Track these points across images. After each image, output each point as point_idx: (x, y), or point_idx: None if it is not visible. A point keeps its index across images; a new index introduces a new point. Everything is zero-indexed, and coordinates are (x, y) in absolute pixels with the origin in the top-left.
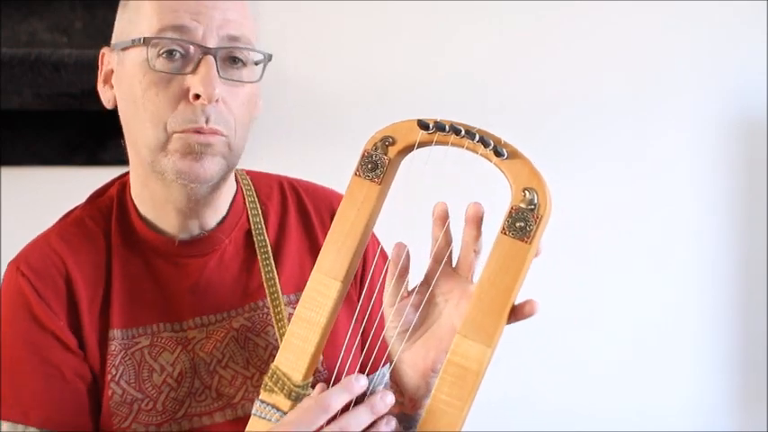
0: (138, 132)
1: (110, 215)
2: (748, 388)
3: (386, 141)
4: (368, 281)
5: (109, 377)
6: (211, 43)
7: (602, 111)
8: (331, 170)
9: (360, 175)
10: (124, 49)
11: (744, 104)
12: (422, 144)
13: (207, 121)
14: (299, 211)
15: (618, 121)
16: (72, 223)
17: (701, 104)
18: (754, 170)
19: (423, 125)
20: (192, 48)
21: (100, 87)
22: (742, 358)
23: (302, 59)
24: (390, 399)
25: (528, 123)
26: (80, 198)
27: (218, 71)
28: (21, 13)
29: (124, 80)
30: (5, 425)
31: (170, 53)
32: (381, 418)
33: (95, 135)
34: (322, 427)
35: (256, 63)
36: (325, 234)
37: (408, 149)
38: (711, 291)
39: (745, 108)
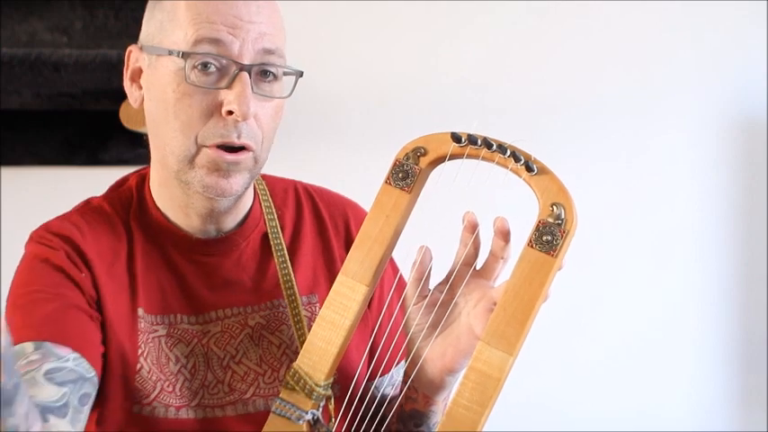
0: (167, 139)
1: (129, 206)
2: (748, 388)
3: (417, 152)
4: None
5: (139, 351)
6: (247, 58)
7: (603, 110)
8: (329, 170)
9: (390, 183)
10: (158, 55)
11: (744, 104)
12: (453, 156)
13: (238, 137)
14: (314, 217)
15: (618, 121)
16: (92, 209)
17: (702, 104)
18: (754, 170)
19: (455, 138)
20: (227, 62)
21: (126, 85)
22: (742, 358)
23: (302, 60)
24: None
25: (528, 123)
26: (80, 198)
27: (251, 87)
28: (21, 13)
29: (156, 85)
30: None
31: (205, 66)
32: None
33: (95, 135)
34: None
35: (285, 74)
36: (339, 240)
37: (439, 161)
38: (711, 291)
39: (746, 108)
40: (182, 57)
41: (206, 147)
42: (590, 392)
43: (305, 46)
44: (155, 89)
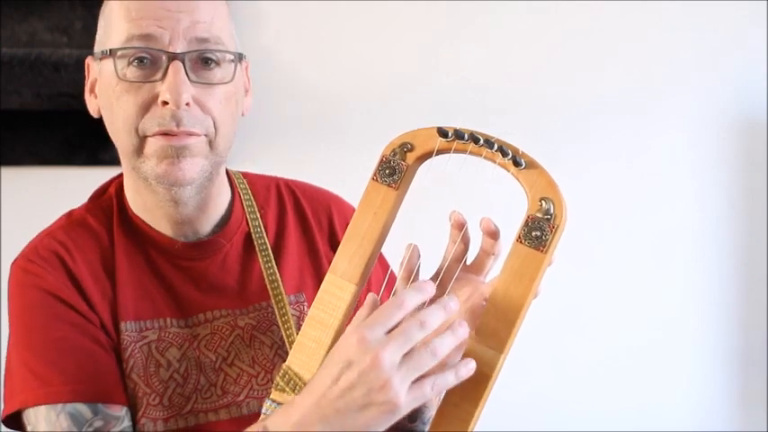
0: (116, 140)
1: (111, 214)
2: (748, 388)
3: (404, 147)
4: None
5: (124, 371)
6: (179, 48)
7: (603, 110)
8: (329, 170)
9: (377, 180)
10: (101, 59)
11: (744, 104)
12: (440, 151)
13: (178, 125)
14: (297, 214)
15: (619, 121)
16: (75, 223)
17: (702, 104)
18: (754, 170)
19: (442, 133)
20: (159, 54)
21: (87, 96)
22: (742, 358)
23: (302, 60)
24: (455, 303)
25: (529, 123)
26: (80, 198)
27: (188, 75)
28: (21, 13)
29: (102, 90)
30: (53, 407)
31: (139, 61)
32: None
33: (95, 135)
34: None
35: (231, 61)
36: (323, 236)
37: (426, 156)
38: (711, 290)
39: (746, 108)
40: (110, 54)
41: (149, 136)
42: (590, 392)
43: (305, 46)
44: (102, 93)
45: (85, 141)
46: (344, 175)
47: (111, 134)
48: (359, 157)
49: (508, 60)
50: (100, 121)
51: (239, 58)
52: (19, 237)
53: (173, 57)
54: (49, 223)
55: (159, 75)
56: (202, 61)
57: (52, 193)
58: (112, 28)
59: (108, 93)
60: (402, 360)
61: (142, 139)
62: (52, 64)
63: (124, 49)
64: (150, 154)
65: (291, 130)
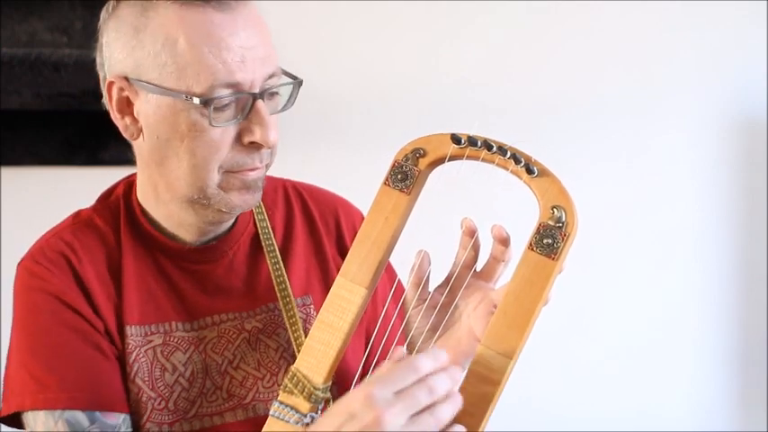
0: (178, 173)
1: (118, 215)
2: (748, 388)
3: (417, 153)
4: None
5: (131, 375)
6: (257, 86)
7: (603, 110)
8: (329, 170)
9: (389, 185)
10: (161, 94)
11: (744, 104)
12: (453, 158)
13: (261, 161)
14: (305, 216)
15: (619, 121)
16: (83, 223)
17: (702, 104)
18: (754, 170)
19: (455, 139)
20: (241, 95)
21: (116, 117)
22: (742, 358)
23: (302, 60)
24: (459, 372)
25: (528, 123)
26: (80, 198)
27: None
28: (21, 13)
29: (161, 123)
30: (51, 413)
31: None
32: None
33: (95, 135)
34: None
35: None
36: (330, 239)
37: (439, 162)
38: (711, 290)
39: (746, 108)
40: (204, 105)
41: (233, 172)
42: (590, 393)
43: (305, 46)
44: (160, 126)
45: (85, 141)
46: (344, 175)
47: (163, 159)
48: (359, 157)
49: (508, 60)
50: (100, 121)
51: (300, 84)
52: (19, 237)
53: (254, 96)
54: (49, 223)
55: (241, 114)
56: (270, 93)
57: (52, 193)
58: (182, 64)
59: (175, 129)
60: (406, 422)
61: (222, 175)
62: (52, 64)
63: (218, 98)
64: (231, 188)
65: (291, 130)
